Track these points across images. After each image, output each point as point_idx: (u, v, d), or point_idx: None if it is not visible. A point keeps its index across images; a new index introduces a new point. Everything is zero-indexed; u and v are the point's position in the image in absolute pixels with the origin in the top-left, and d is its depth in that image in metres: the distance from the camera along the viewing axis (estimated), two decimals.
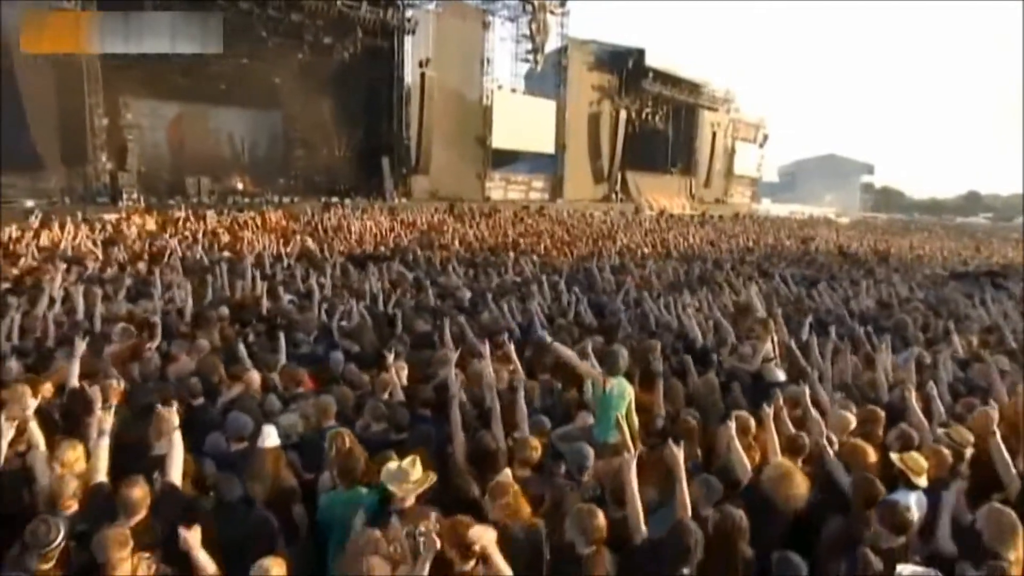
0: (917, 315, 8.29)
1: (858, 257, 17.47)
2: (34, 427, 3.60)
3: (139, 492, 3.08)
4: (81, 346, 4.60)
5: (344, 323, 6.65)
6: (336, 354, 5.72)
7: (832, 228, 32.60)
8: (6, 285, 7.78)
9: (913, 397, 4.37)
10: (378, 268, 10.30)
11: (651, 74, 38.22)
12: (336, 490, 3.39)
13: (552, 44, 33.55)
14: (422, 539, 2.57)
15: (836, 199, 72.09)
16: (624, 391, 4.45)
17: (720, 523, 3.02)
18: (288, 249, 12.02)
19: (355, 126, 28.79)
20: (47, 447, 3.58)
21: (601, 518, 2.96)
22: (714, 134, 45.00)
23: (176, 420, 3.51)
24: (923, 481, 3.58)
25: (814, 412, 4.23)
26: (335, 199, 24.89)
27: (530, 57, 33.18)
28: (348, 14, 24.98)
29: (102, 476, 3.30)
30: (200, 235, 13.53)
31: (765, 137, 53.35)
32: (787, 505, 3.47)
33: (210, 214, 18.08)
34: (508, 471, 3.55)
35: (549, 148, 34.98)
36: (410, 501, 3.17)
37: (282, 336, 5.73)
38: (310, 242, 13.51)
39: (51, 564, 2.71)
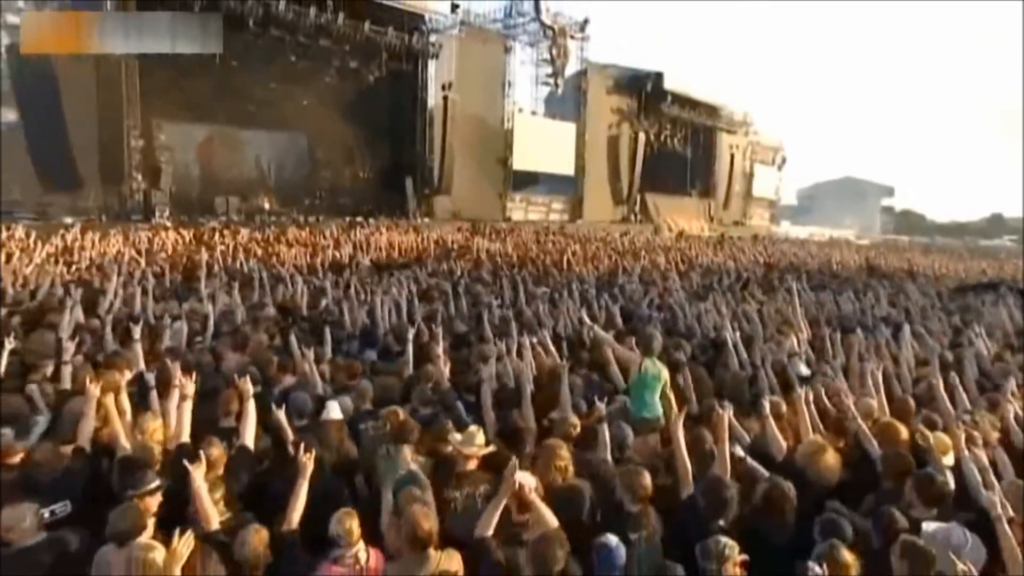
0: (940, 319, 8.43)
1: (885, 272, 17.47)
2: (125, 400, 3.91)
3: (217, 451, 3.37)
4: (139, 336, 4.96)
5: (384, 322, 6.94)
6: (371, 352, 6.04)
7: (853, 248, 32.52)
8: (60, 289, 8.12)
9: (940, 386, 4.54)
10: (406, 276, 10.62)
11: (669, 97, 38.73)
12: (390, 458, 3.64)
13: (572, 68, 34.29)
14: (507, 480, 2.84)
15: (856, 222, 71.73)
16: (660, 372, 4.71)
17: (769, 491, 3.22)
18: (319, 260, 12.41)
19: (379, 147, 29.55)
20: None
21: (647, 478, 3.18)
22: (732, 156, 45.23)
23: (250, 389, 3.80)
24: (950, 459, 3.75)
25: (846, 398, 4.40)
26: (359, 218, 25.35)
27: (550, 81, 33.83)
28: (375, 39, 25.74)
29: (185, 437, 3.59)
30: (234, 248, 13.91)
31: (783, 160, 53.55)
32: (820, 479, 3.65)
33: (243, 230, 18.57)
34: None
35: (569, 170, 35.43)
36: (472, 465, 3.42)
37: (328, 331, 6.00)
38: (339, 255, 13.90)
39: (147, 506, 2.97)
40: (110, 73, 19.82)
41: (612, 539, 2.79)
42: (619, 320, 7.62)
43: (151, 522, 2.93)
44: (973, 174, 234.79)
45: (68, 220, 18.81)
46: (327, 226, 22.15)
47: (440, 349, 5.31)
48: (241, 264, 10.96)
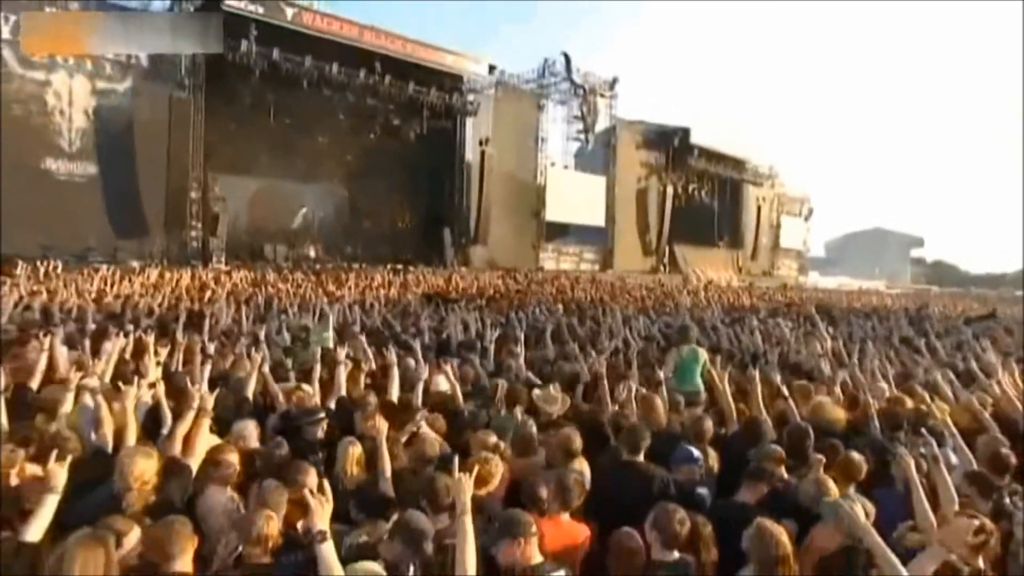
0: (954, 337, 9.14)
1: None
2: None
3: None
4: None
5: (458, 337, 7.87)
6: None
7: (883, 296, 32.79)
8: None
9: (940, 377, 5.34)
10: (459, 306, 11.59)
11: (696, 151, 39.90)
12: (503, 415, 4.47)
13: (602, 124, 35.70)
14: None
15: (885, 273, 71.48)
16: (697, 354, 5.62)
17: (793, 431, 4.06)
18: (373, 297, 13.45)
19: (419, 199, 31.10)
20: None
21: (709, 422, 4.04)
22: (759, 208, 46.06)
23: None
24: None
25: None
26: (399, 266, 26.50)
27: (581, 137, 35.29)
28: (417, 98, 27.41)
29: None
30: (296, 286, 15.03)
31: (810, 211, 54.24)
32: (829, 428, 4.40)
33: (295, 274, 19.76)
34: None
35: (599, 221, 36.55)
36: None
37: (418, 344, 6.85)
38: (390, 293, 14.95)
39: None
40: (180, 132, 21.55)
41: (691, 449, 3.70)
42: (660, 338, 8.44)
43: None
44: (1009, 225, 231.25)
45: (135, 264, 20.22)
46: (372, 272, 23.33)
47: (519, 347, 6.17)
48: (309, 296, 12.01)
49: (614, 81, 35.49)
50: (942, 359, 7.04)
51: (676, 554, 2.63)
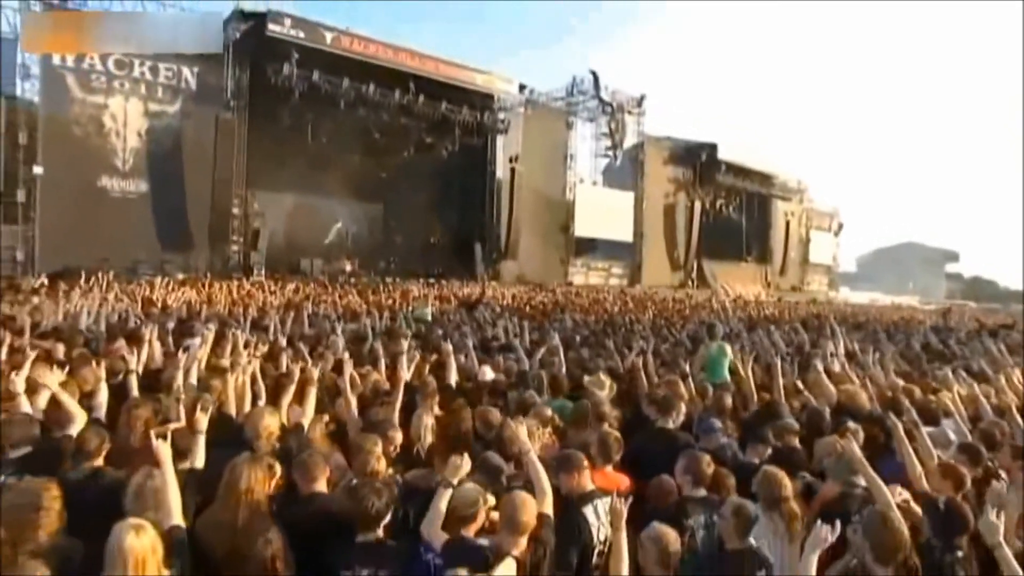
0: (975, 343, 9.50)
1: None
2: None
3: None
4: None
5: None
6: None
7: (915, 312, 32.54)
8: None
9: (951, 373, 5.79)
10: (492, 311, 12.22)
11: (724, 166, 40.18)
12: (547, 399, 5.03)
13: (629, 141, 36.21)
14: None
15: (919, 288, 70.47)
16: (724, 348, 6.17)
17: (812, 413, 4.58)
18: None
19: (450, 215, 31.90)
20: None
21: (729, 399, 4.61)
22: (788, 223, 46.03)
23: None
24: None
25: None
26: (431, 280, 27.21)
27: (609, 153, 35.87)
28: (450, 117, 28.27)
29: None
30: (340, 296, 15.79)
31: (840, 226, 53.97)
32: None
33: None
34: None
35: (627, 237, 36.97)
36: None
37: (468, 340, 7.48)
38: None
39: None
40: (224, 151, 22.62)
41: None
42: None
43: None
44: None
45: (180, 276, 21.15)
46: (407, 285, 24.05)
47: (558, 349, 6.75)
48: (356, 305, 12.74)
49: (642, 98, 36.04)
50: (955, 361, 7.42)
51: (703, 491, 3.16)
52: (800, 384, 5.44)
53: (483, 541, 2.66)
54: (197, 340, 5.69)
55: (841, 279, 59.22)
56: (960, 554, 2.62)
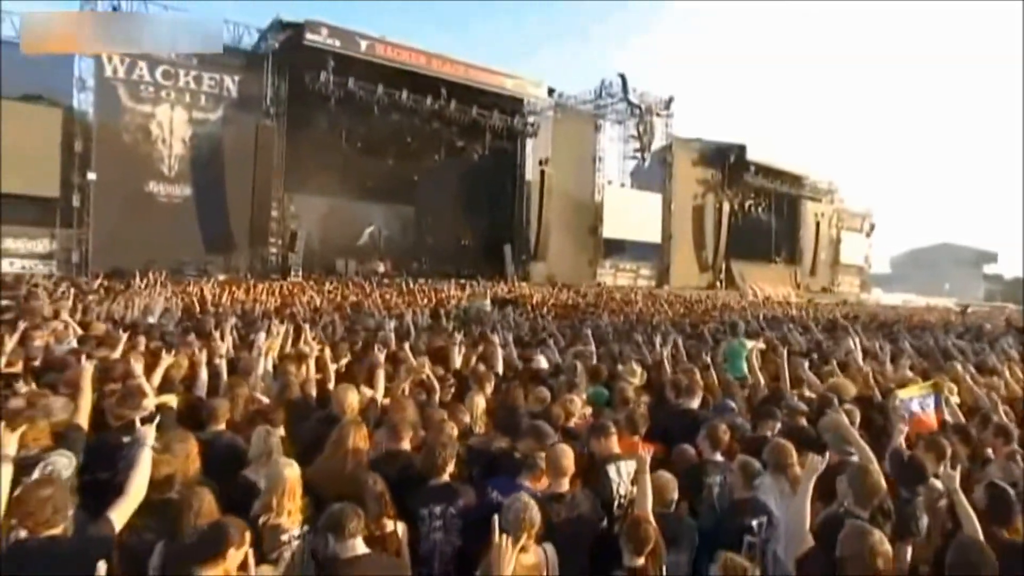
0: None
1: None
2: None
3: None
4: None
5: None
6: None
7: (950, 313, 32.18)
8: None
9: (960, 367, 6.17)
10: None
11: (753, 168, 40.18)
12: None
13: (658, 142, 36.44)
14: None
15: (955, 289, 69.15)
16: (744, 343, 6.61)
17: (822, 397, 4.99)
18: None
19: (481, 217, 32.51)
20: None
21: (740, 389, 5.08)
22: (818, 224, 45.77)
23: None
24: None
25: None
26: (462, 280, 27.77)
27: (638, 155, 36.14)
28: (480, 121, 28.89)
29: None
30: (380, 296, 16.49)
31: (872, 227, 53.43)
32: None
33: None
34: None
35: (655, 238, 37.23)
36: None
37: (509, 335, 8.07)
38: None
39: None
40: (264, 156, 23.50)
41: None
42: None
43: None
44: None
45: (221, 277, 21.99)
46: (441, 285, 24.67)
47: (590, 343, 7.28)
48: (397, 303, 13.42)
49: (670, 100, 36.20)
50: (971, 357, 7.73)
51: (719, 456, 3.67)
52: (810, 376, 5.88)
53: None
54: (262, 334, 6.29)
55: (874, 280, 58.46)
56: (920, 499, 3.09)
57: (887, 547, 2.48)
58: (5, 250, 19.90)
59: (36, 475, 2.78)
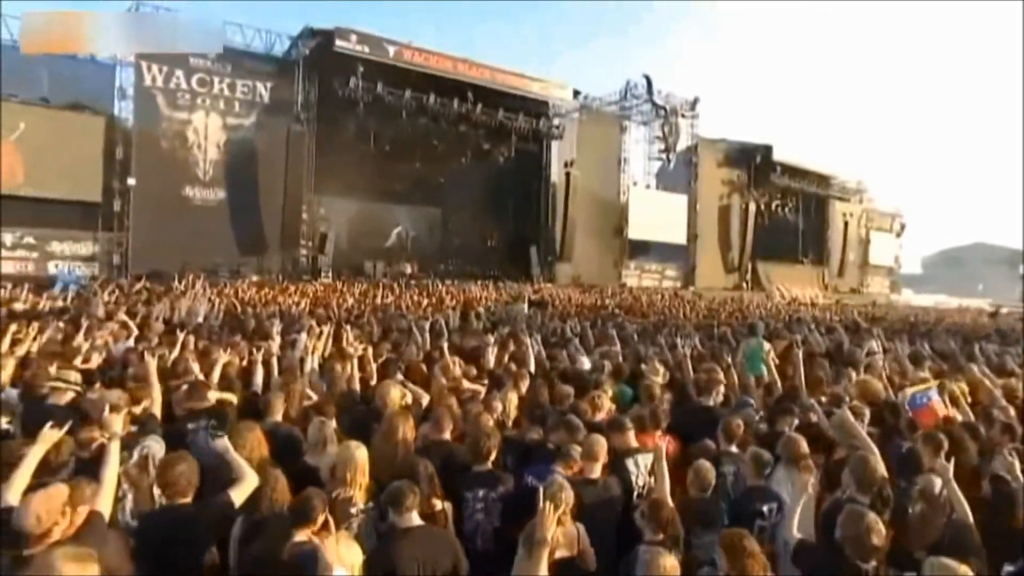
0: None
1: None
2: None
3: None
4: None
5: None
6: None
7: (982, 315, 31.65)
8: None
9: (976, 369, 6.35)
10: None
11: (779, 168, 39.92)
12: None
13: (683, 143, 36.44)
14: None
15: (989, 290, 67.66)
16: (762, 344, 6.91)
17: (832, 395, 5.21)
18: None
19: (507, 219, 32.88)
20: None
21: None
22: (846, 224, 45.31)
23: None
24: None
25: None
26: (488, 282, 28.10)
27: (663, 156, 36.14)
28: (506, 124, 29.21)
29: None
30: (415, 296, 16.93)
31: (902, 227, 52.62)
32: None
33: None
34: None
35: (681, 239, 37.23)
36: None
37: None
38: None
39: None
40: (295, 160, 24.10)
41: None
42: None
43: None
44: None
45: (254, 278, 22.59)
46: (468, 286, 25.08)
47: (616, 343, 7.58)
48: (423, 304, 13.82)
49: (695, 101, 36.21)
50: (992, 360, 7.86)
51: (735, 448, 3.96)
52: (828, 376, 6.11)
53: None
54: (303, 335, 6.68)
55: (905, 281, 57.56)
56: (916, 488, 3.34)
57: (881, 527, 2.72)
58: (51, 253, 20.74)
59: (135, 457, 3.21)
